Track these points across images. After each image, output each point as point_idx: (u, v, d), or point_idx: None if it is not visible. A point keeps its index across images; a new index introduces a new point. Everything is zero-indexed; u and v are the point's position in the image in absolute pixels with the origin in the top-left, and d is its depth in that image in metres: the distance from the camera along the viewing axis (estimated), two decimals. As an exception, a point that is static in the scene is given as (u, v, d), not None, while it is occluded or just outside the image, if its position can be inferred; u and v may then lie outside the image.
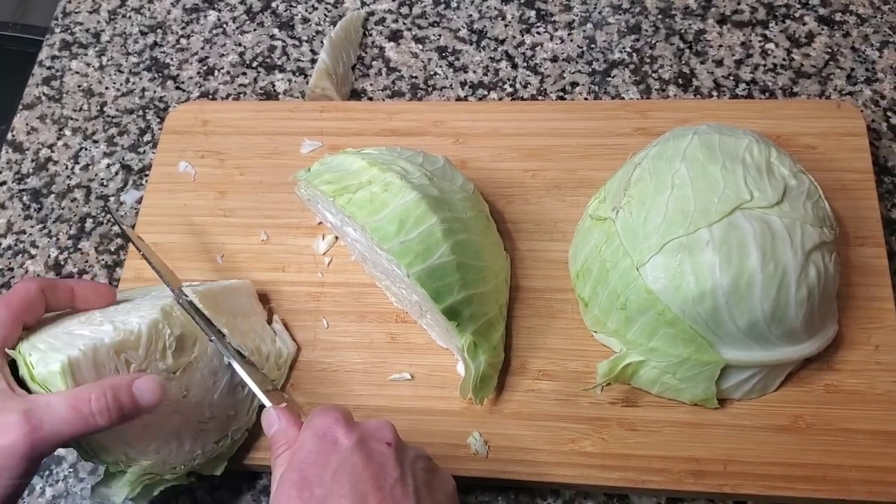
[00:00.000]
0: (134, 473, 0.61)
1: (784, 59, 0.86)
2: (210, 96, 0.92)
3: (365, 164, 0.68)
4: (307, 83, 0.90)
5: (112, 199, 0.86)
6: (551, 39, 0.90)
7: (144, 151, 0.89)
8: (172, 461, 0.64)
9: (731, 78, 0.85)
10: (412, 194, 0.65)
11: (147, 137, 0.90)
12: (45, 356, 0.56)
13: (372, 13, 0.95)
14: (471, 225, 0.68)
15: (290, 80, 0.91)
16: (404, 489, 0.53)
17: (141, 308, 0.63)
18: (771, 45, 0.87)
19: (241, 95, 0.91)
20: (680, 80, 0.85)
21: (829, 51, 0.86)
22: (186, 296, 0.65)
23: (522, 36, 0.91)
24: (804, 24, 0.88)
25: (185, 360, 0.63)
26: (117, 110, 0.92)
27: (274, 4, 0.97)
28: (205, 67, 0.94)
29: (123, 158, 0.89)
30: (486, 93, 0.88)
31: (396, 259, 0.64)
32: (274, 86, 0.91)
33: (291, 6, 0.97)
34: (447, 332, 0.67)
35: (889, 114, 0.81)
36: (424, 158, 0.72)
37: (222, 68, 0.93)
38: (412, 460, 0.56)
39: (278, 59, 0.93)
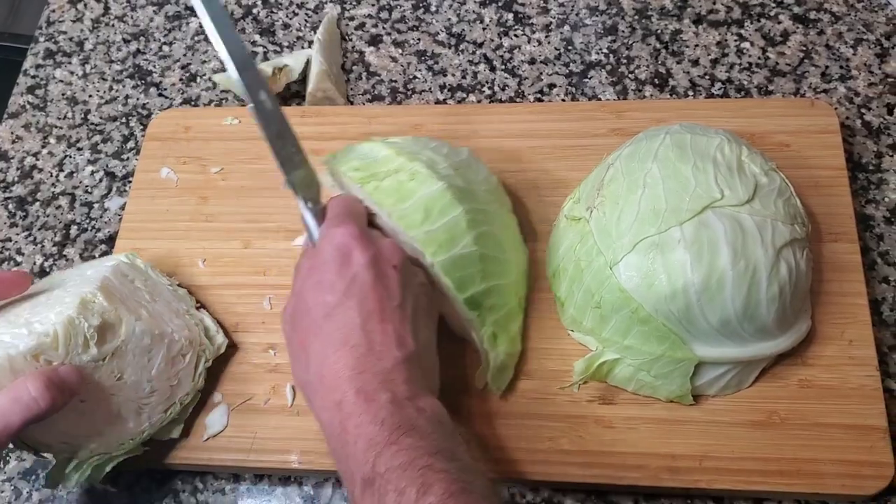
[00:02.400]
0: (81, 458, 0.64)
1: (759, 58, 0.86)
2: (192, 103, 0.92)
3: (392, 152, 0.69)
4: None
5: (96, 205, 0.87)
6: (529, 42, 0.91)
7: (128, 158, 0.89)
8: (118, 439, 0.66)
9: (707, 77, 0.86)
10: (438, 184, 0.66)
11: (130, 144, 0.90)
12: None
13: (352, 18, 0.96)
14: (494, 217, 0.69)
15: (271, 86, 0.92)
16: (402, 314, 0.60)
17: (62, 300, 0.63)
18: (746, 45, 0.87)
19: (223, 102, 0.92)
20: (656, 81, 0.86)
21: (804, 49, 0.86)
22: None
23: (500, 39, 0.92)
24: (779, 22, 0.88)
25: (111, 345, 0.63)
26: (101, 118, 0.93)
27: (255, 11, 0.98)
28: (187, 74, 0.95)
29: (107, 165, 0.89)
30: (464, 96, 0.89)
31: (421, 247, 0.64)
32: (256, 91, 0.92)
33: (272, 13, 0.98)
34: (465, 322, 0.68)
35: (863, 111, 0.82)
36: (449, 150, 0.73)
37: (204, 75, 0.94)
38: (415, 287, 0.63)
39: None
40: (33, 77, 0.97)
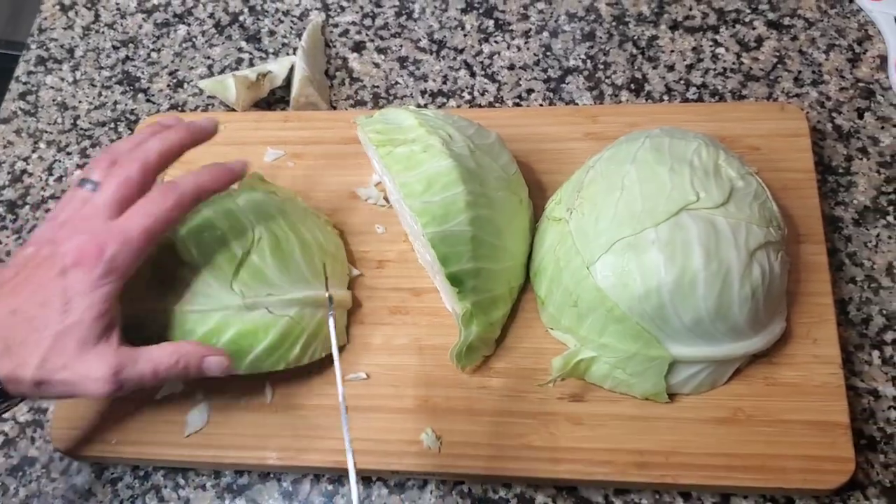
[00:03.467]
0: None
1: (734, 63, 0.88)
2: (179, 108, 0.94)
3: (415, 123, 0.72)
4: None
5: (84, 209, 0.89)
6: (508, 48, 0.93)
7: (116, 163, 0.91)
8: None
9: (682, 82, 0.88)
10: (447, 161, 0.68)
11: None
12: None
13: (336, 25, 0.98)
14: (498, 204, 0.71)
15: (256, 92, 0.94)
16: None
17: None
18: (721, 50, 0.89)
19: (210, 107, 0.94)
20: (632, 86, 0.88)
21: (778, 54, 0.88)
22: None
23: (481, 45, 0.93)
24: (754, 28, 0.90)
25: None
26: (90, 123, 0.95)
27: (241, 18, 1.00)
28: (174, 80, 0.97)
29: (95, 170, 0.91)
30: (445, 101, 0.90)
31: (416, 216, 0.67)
32: (241, 97, 0.94)
33: (258, 20, 1.00)
34: (451, 297, 0.70)
35: (834, 115, 0.84)
36: (476, 131, 0.75)
37: (191, 81, 0.96)
38: None
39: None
40: (25, 83, 0.99)
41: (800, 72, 0.87)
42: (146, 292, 0.66)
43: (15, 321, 0.57)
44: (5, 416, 0.77)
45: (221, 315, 0.66)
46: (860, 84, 0.85)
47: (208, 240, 0.67)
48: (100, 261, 0.58)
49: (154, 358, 0.61)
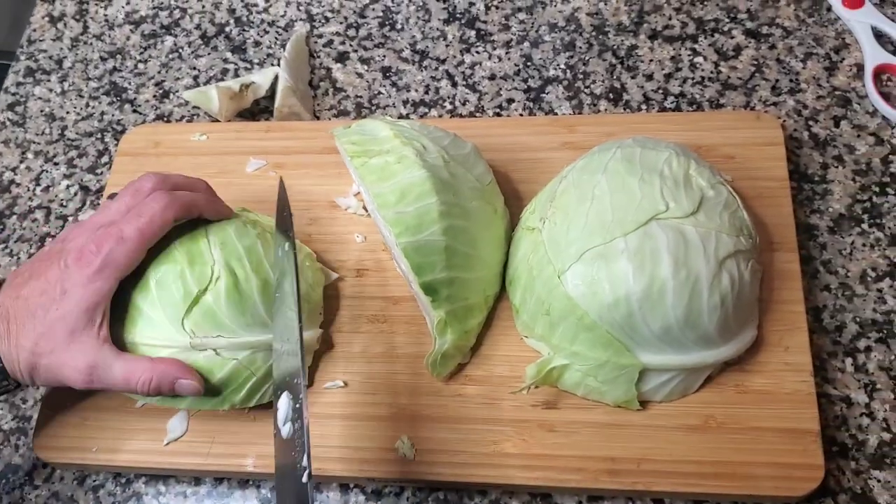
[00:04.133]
0: None
1: (712, 72, 0.89)
2: (165, 119, 0.96)
3: (390, 134, 0.73)
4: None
5: (70, 218, 0.90)
6: (490, 58, 0.94)
7: (102, 173, 0.92)
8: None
9: (661, 91, 0.88)
10: (420, 171, 0.69)
11: (105, 159, 0.93)
12: None
13: (320, 36, 0.99)
14: (472, 214, 0.72)
15: (241, 102, 0.95)
16: None
17: None
18: (700, 59, 0.90)
19: (195, 118, 0.95)
20: (611, 95, 0.89)
21: (756, 63, 0.89)
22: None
23: (462, 55, 0.94)
24: (732, 37, 0.91)
25: None
26: (77, 133, 0.96)
27: (227, 29, 1.01)
28: (160, 91, 0.98)
29: (82, 180, 0.92)
30: (426, 111, 0.91)
31: (390, 227, 0.68)
32: (226, 107, 0.95)
33: (244, 31, 1.01)
34: (426, 305, 0.71)
35: (810, 123, 0.84)
36: (451, 141, 0.76)
37: (177, 91, 0.97)
38: None
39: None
40: (13, 94, 1.01)
41: (777, 80, 0.87)
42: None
43: (19, 306, 0.64)
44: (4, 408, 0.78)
45: (169, 352, 0.67)
46: (837, 92, 0.86)
47: (168, 274, 0.67)
48: (96, 257, 0.63)
49: (129, 368, 0.64)
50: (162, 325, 0.67)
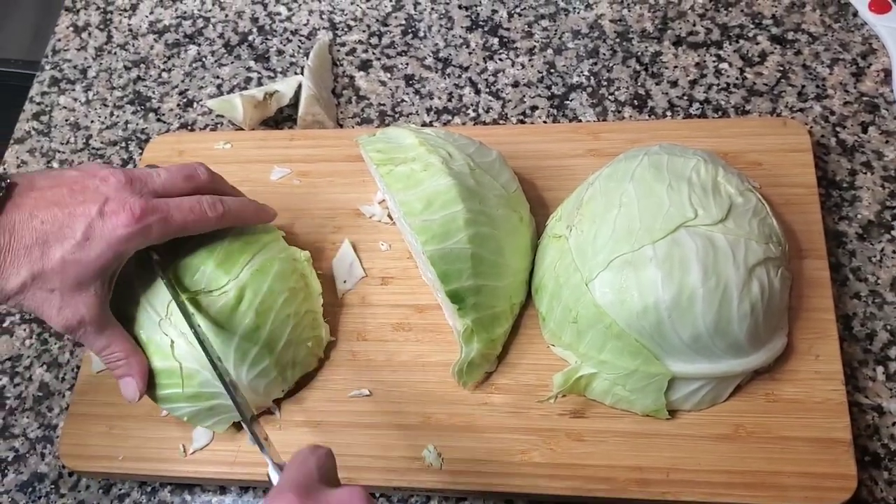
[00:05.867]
0: None
1: (737, 78, 0.88)
2: (189, 127, 0.96)
3: (416, 141, 0.73)
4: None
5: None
6: (513, 65, 0.93)
7: (126, 181, 0.93)
8: None
9: (685, 98, 0.88)
10: (446, 179, 0.69)
11: (129, 168, 0.94)
12: None
13: (343, 44, 0.99)
14: (498, 221, 0.72)
15: (264, 110, 0.95)
16: None
17: None
18: (725, 65, 0.89)
19: (219, 126, 0.95)
20: (636, 102, 0.88)
21: (781, 69, 0.88)
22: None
23: (485, 63, 0.94)
24: (757, 43, 0.90)
25: None
26: (102, 142, 0.97)
27: (250, 38, 1.02)
28: (184, 100, 0.98)
29: (107, 189, 0.93)
30: (450, 118, 0.91)
31: (416, 234, 0.68)
32: (249, 116, 0.95)
33: (267, 39, 1.01)
34: (452, 313, 0.71)
35: (838, 129, 0.83)
36: (477, 149, 0.76)
37: (200, 100, 0.97)
38: None
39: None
40: (38, 104, 1.01)
41: (804, 86, 0.87)
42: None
43: (34, 227, 0.60)
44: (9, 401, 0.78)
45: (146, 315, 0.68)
46: (864, 98, 0.85)
47: (196, 258, 0.69)
48: (137, 223, 0.62)
49: (110, 342, 0.66)
50: (158, 288, 0.68)
